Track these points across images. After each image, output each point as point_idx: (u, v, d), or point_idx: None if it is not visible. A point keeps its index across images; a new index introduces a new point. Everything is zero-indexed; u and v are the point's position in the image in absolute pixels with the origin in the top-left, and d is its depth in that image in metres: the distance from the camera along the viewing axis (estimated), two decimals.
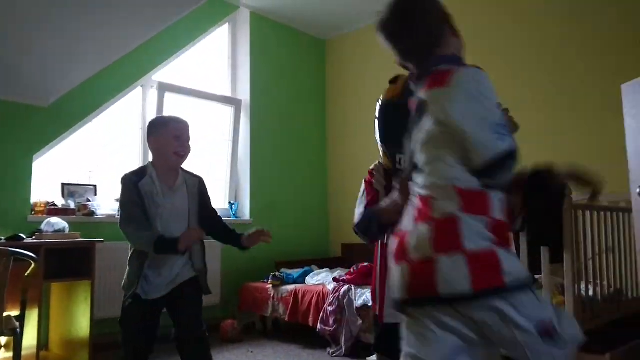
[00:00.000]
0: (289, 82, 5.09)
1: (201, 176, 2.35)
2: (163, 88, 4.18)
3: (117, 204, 3.88)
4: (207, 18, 4.53)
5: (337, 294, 3.48)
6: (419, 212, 1.19)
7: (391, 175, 1.74)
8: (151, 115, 4.16)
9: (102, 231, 3.51)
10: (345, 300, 3.41)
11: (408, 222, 1.22)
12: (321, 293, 3.60)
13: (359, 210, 1.78)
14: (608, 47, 3.46)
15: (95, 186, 3.80)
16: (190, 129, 2.23)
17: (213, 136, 4.68)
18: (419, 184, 1.23)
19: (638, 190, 1.85)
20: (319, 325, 3.47)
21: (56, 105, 3.57)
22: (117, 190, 3.93)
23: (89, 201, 3.64)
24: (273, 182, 4.78)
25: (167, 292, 2.10)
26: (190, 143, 2.23)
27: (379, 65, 4.92)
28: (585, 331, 2.52)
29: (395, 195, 1.50)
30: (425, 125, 1.20)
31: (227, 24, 4.86)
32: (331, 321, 3.41)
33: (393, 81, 1.79)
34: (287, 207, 4.82)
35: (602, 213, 2.82)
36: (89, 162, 3.92)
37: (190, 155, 2.22)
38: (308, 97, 5.28)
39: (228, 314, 4.13)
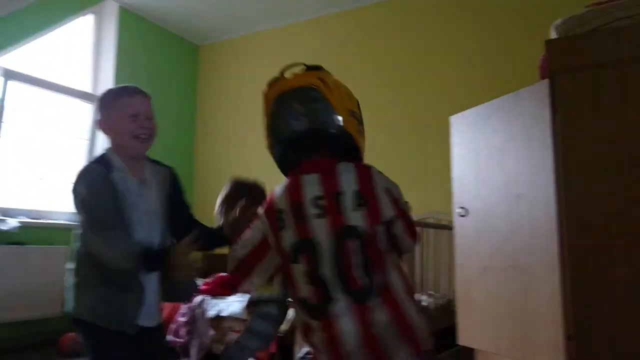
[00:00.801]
0: (157, 85, 4.89)
1: (172, 167, 1.84)
2: (8, 75, 3.78)
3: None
4: (69, 5, 4.20)
5: (190, 304, 3.39)
6: None
7: None
8: None
9: None
10: (198, 311, 3.34)
11: None
12: (174, 304, 3.49)
13: None
14: (439, 83, 3.92)
15: None
16: (150, 101, 1.72)
17: (68, 134, 4.33)
18: None
19: (458, 210, 2.08)
20: (170, 337, 3.35)
21: None
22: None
23: None
24: None
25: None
26: (153, 121, 1.72)
27: (254, 75, 4.97)
28: None
29: None
30: None
31: (92, 14, 4.56)
32: (183, 332, 3.31)
33: None
34: None
35: (440, 230, 3.14)
36: None
37: (154, 136, 1.70)
38: (177, 101, 5.12)
39: (68, 326, 3.80)
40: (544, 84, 1.76)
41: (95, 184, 1.55)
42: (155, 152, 4.59)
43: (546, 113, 1.73)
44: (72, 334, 3.54)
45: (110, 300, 1.53)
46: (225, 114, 5.11)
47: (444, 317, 3.11)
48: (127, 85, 1.74)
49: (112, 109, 1.65)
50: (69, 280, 1.60)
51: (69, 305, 1.59)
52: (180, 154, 5.11)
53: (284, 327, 3.00)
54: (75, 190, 1.56)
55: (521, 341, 1.80)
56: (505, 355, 1.85)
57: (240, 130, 4.95)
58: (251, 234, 1.39)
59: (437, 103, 3.88)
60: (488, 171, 1.98)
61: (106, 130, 1.66)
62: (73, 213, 1.64)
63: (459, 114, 2.16)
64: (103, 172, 1.58)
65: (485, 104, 2.03)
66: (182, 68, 5.21)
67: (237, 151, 4.96)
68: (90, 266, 1.55)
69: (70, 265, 1.61)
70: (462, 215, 2.08)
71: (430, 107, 3.93)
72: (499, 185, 1.93)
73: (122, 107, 1.64)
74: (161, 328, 1.76)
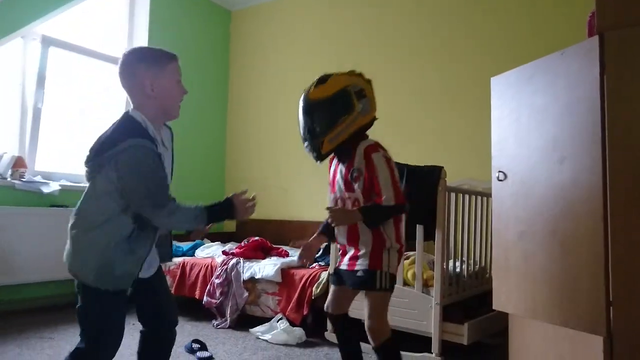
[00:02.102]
0: (190, 51, 4.91)
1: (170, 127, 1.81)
2: (47, 42, 3.85)
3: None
4: None
5: (225, 266, 3.47)
6: None
7: None
8: (32, 71, 3.82)
9: None
10: (232, 273, 3.42)
11: None
12: (209, 266, 3.57)
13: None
14: (480, 47, 3.78)
15: None
16: None
17: (105, 99, 4.41)
18: None
19: (497, 174, 2.04)
20: (205, 298, 3.45)
21: None
22: None
23: None
24: None
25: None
26: None
27: (286, 40, 4.93)
28: (451, 303, 2.75)
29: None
30: None
31: None
32: (217, 294, 3.40)
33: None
34: (183, 179, 4.65)
35: (474, 197, 3.09)
36: None
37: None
38: (210, 67, 5.14)
39: None
40: (593, 41, 1.67)
41: (152, 159, 1.53)
42: (189, 118, 4.66)
43: (594, 72, 1.65)
44: None
45: (114, 263, 1.53)
46: (257, 79, 5.10)
47: (476, 284, 3.09)
48: (164, 49, 1.72)
49: (164, 72, 1.64)
50: (70, 243, 1.58)
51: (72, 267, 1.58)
52: (213, 120, 5.15)
53: (316, 290, 3.04)
54: (127, 163, 1.51)
55: (560, 306, 1.77)
56: (543, 320, 1.83)
57: (273, 95, 4.94)
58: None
59: (475, 66, 3.76)
60: (529, 134, 1.92)
61: (151, 92, 1.60)
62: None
63: (500, 75, 2.09)
64: (154, 149, 1.54)
65: (528, 63, 1.96)
66: (214, 33, 5.20)
67: (270, 116, 4.95)
68: (98, 230, 1.53)
69: (74, 228, 1.58)
70: (501, 180, 2.04)
71: (468, 70, 3.81)
72: (540, 148, 1.87)
73: (171, 72, 1.65)
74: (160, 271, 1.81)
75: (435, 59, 3.98)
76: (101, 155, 1.54)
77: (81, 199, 1.60)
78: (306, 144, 1.96)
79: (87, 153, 1.59)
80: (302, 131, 1.97)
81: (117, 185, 1.52)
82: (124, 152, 1.50)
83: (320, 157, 1.97)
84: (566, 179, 1.77)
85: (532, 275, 1.87)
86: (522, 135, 1.96)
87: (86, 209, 1.58)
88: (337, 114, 1.90)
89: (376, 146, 1.92)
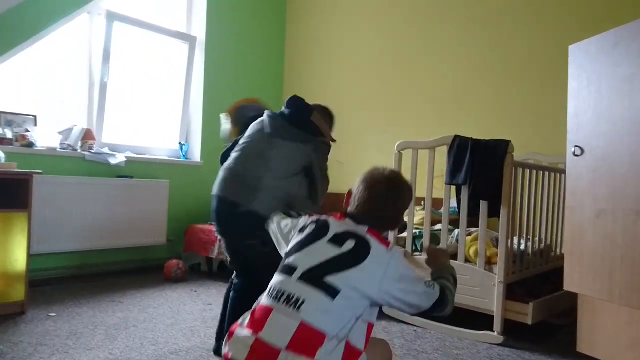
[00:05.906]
0: (248, 23, 4.91)
1: None
2: (112, 17, 3.94)
3: (58, 139, 3.77)
4: None
5: None
6: None
7: None
8: (98, 46, 3.94)
9: (41, 163, 3.36)
10: None
11: None
12: None
13: None
14: (556, 12, 3.53)
15: (35, 116, 3.60)
16: None
17: (166, 73, 4.50)
18: None
19: (573, 149, 1.93)
20: None
21: None
22: (59, 121, 3.83)
23: (28, 131, 3.46)
24: None
25: None
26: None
27: (344, 12, 4.83)
28: (515, 282, 2.67)
29: None
30: None
31: None
32: None
33: None
34: None
35: (541, 172, 2.96)
36: (29, 90, 3.70)
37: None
38: (267, 39, 5.13)
39: (173, 254, 4.12)
40: None
41: None
42: (248, 87, 4.64)
43: None
44: (175, 261, 3.83)
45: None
46: (312, 49, 5.04)
47: (541, 263, 2.99)
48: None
49: None
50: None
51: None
52: (271, 91, 5.16)
53: None
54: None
55: None
56: (619, 303, 1.74)
57: (328, 68, 4.88)
58: None
59: (545, 35, 3.53)
60: (611, 106, 1.80)
61: None
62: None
63: (579, 43, 1.95)
64: None
65: (612, 30, 1.81)
66: (271, 4, 5.16)
67: (324, 88, 4.91)
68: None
69: None
70: (577, 155, 1.93)
71: (536, 40, 3.59)
72: (624, 121, 1.75)
73: None
74: None
75: (501, 28, 3.78)
76: None
77: None
78: None
79: None
80: None
81: None
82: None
83: None
84: None
85: (611, 257, 1.77)
86: (603, 107, 1.84)
87: None
88: None
89: None
